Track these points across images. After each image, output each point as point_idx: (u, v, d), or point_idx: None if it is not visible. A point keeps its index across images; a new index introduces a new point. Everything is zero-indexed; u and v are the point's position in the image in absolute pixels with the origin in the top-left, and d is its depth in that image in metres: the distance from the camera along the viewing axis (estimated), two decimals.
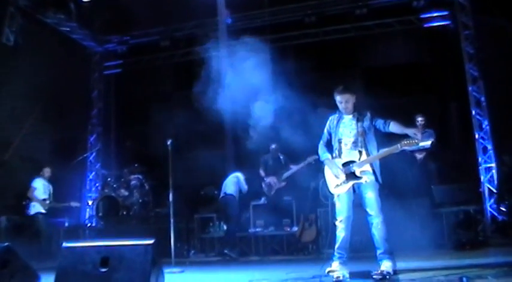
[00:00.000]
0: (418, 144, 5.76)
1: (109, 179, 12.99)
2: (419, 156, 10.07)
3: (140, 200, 12.10)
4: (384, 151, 5.84)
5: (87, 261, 4.71)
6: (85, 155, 13.63)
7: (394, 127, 5.78)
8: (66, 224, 11.84)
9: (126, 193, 12.19)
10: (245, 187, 10.38)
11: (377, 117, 5.93)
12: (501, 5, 10.50)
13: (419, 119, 9.91)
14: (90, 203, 13.23)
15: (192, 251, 10.92)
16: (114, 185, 12.52)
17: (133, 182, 12.34)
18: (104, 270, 4.65)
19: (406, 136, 5.79)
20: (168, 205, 8.33)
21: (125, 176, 12.50)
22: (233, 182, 10.30)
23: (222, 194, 10.36)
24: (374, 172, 5.80)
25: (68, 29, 12.94)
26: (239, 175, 10.45)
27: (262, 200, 10.65)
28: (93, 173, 14.04)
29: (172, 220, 8.06)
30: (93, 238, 11.31)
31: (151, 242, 4.82)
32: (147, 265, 4.68)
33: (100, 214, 12.09)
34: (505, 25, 10.81)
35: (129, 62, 14.26)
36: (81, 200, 13.31)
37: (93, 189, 13.94)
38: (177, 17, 12.60)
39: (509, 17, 10.58)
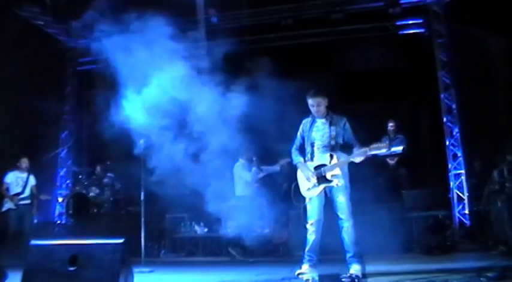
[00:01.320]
0: (386, 148, 5.81)
1: (80, 176, 12.86)
2: (391, 162, 10.21)
3: (111, 198, 12.00)
4: (354, 154, 5.90)
5: (55, 259, 4.67)
6: (56, 152, 13.45)
7: (355, 153, 5.81)
8: (36, 221, 11.66)
9: (98, 191, 12.07)
10: (247, 174, 9.77)
11: (349, 132, 5.99)
12: (475, 15, 10.68)
13: (390, 124, 10.06)
14: (60, 200, 13.07)
15: (163, 251, 10.86)
16: (86, 182, 12.39)
17: (105, 180, 12.23)
18: (72, 268, 4.61)
19: (376, 140, 5.87)
20: (140, 204, 8.28)
21: (97, 174, 12.38)
22: (236, 179, 9.86)
23: None
24: (343, 176, 5.85)
25: (42, 23, 12.75)
26: (238, 166, 9.85)
27: (234, 201, 10.60)
28: (64, 169, 13.85)
29: (143, 219, 8.02)
30: (63, 236, 11.16)
31: (121, 241, 4.80)
32: (116, 264, 4.66)
33: (70, 211, 11.94)
34: (478, 35, 11.02)
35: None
36: (52, 197, 13.13)
37: (64, 186, 13.76)
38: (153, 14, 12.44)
39: (483, 27, 10.79)
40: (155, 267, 7.58)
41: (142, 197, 8.13)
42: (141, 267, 7.20)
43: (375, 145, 5.73)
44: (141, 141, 8.02)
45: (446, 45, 11.90)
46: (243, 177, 9.87)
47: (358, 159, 5.80)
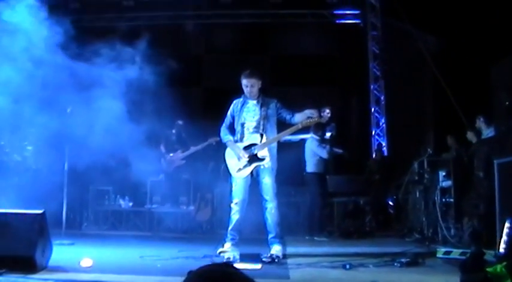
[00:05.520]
0: (316, 121, 5.95)
1: (2, 142, 12.31)
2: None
3: (34, 167, 11.57)
4: (285, 131, 5.97)
5: None
6: None
7: (298, 117, 5.91)
8: None
9: (20, 158, 11.61)
10: (323, 151, 8.92)
11: (284, 108, 6.05)
12: (409, 11, 10.99)
13: (327, 111, 10.08)
14: None
15: (85, 223, 10.62)
16: (7, 150, 11.87)
17: (28, 148, 11.77)
18: None
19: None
20: (63, 174, 8.03)
21: (20, 141, 11.88)
22: (309, 155, 9.06)
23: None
24: (271, 158, 5.90)
25: None
26: (310, 142, 9.06)
27: (161, 177, 10.51)
28: None
29: (65, 190, 7.80)
30: None
31: (40, 211, 4.68)
32: (34, 235, 4.53)
33: None
34: (410, 30, 11.35)
35: None
36: None
37: None
38: None
39: (415, 23, 11.12)
40: (76, 240, 7.41)
41: (66, 167, 7.89)
42: (62, 239, 7.02)
43: (305, 121, 5.82)
44: (68, 110, 7.77)
45: (379, 38, 12.23)
46: (321, 153, 9.03)
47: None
